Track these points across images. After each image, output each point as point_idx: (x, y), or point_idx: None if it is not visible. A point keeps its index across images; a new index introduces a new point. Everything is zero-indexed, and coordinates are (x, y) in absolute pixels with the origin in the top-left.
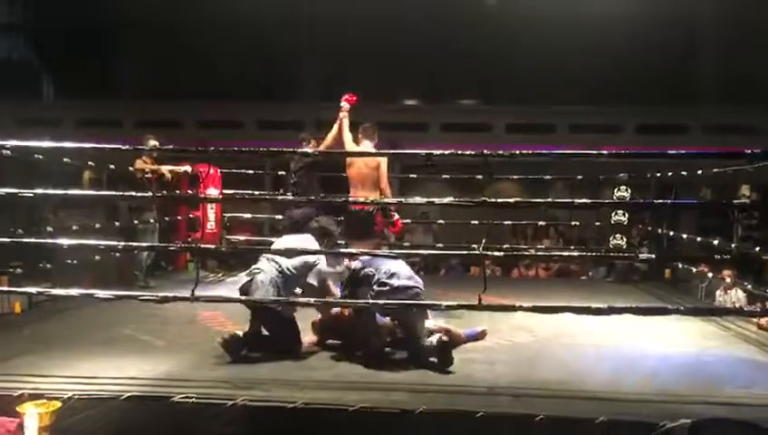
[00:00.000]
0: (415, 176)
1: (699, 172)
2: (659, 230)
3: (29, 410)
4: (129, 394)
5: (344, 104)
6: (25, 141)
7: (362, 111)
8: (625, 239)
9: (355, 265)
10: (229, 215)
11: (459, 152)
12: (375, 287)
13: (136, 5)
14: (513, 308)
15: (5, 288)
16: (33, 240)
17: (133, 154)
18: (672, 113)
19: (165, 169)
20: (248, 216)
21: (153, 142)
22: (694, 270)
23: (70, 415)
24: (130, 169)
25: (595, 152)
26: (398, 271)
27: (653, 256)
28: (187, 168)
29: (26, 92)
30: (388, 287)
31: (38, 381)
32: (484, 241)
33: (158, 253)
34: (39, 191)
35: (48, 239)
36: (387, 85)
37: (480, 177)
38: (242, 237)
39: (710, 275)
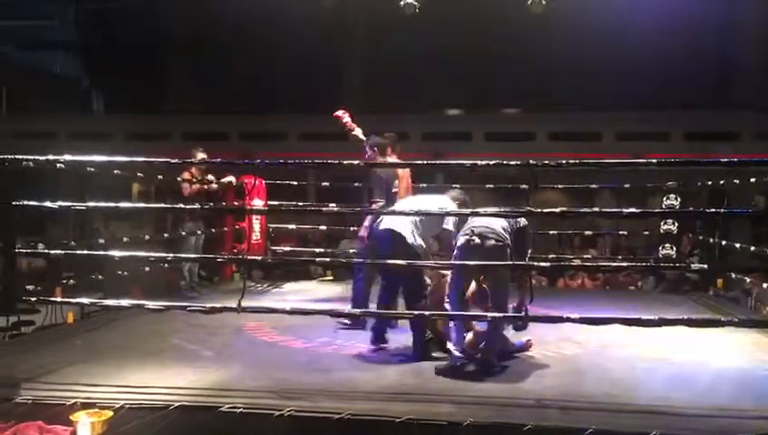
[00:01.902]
0: (458, 186)
1: (752, 180)
2: (710, 239)
3: (81, 419)
4: (178, 404)
5: (347, 118)
6: (77, 154)
7: (406, 122)
8: (675, 249)
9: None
10: (274, 226)
11: (504, 162)
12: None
13: (182, 23)
14: (561, 319)
15: (59, 299)
16: (86, 252)
17: (181, 167)
18: (721, 120)
19: (211, 177)
20: (292, 226)
21: (202, 155)
22: (747, 280)
23: (121, 424)
24: (178, 179)
25: (644, 161)
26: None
27: (705, 266)
28: (232, 178)
29: (77, 107)
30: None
31: (90, 391)
32: (530, 251)
33: (200, 263)
34: (92, 204)
35: (100, 251)
36: (430, 95)
37: (525, 186)
38: (287, 248)
39: (765, 285)
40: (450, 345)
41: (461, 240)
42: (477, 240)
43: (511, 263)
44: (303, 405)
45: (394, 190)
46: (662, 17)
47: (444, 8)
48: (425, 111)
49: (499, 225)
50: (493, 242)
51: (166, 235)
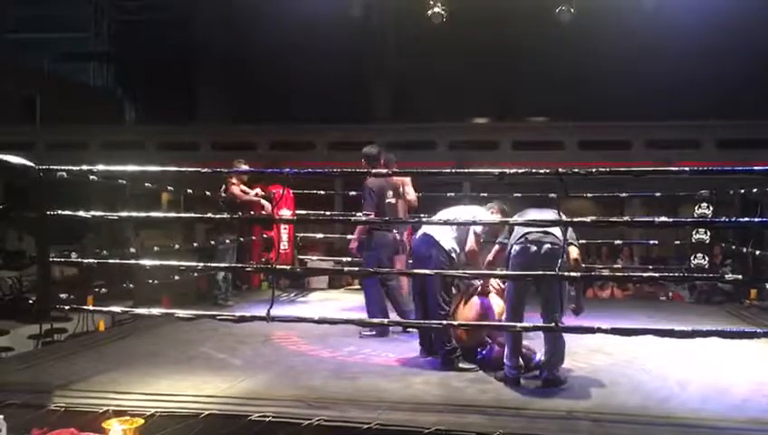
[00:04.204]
0: (486, 195)
1: None
2: (743, 249)
3: (114, 427)
4: (208, 412)
5: None
6: (109, 163)
7: (433, 131)
8: (707, 259)
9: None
10: (301, 235)
11: (533, 171)
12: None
13: (213, 36)
14: (591, 330)
15: (91, 307)
16: (117, 261)
17: (216, 177)
18: (753, 128)
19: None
20: (320, 236)
21: (244, 166)
22: None
23: (152, 432)
24: (223, 194)
25: (677, 169)
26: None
27: (740, 276)
28: (258, 189)
29: (110, 117)
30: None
31: (122, 398)
32: (559, 261)
33: (234, 273)
34: (124, 214)
35: (131, 260)
36: (456, 104)
37: (553, 195)
38: (314, 257)
39: None
40: (505, 360)
41: (516, 248)
42: (534, 247)
43: (550, 274)
44: (332, 414)
45: (388, 201)
46: (692, 24)
47: (471, 17)
48: (451, 120)
49: (553, 228)
50: (549, 246)
51: (195, 244)
